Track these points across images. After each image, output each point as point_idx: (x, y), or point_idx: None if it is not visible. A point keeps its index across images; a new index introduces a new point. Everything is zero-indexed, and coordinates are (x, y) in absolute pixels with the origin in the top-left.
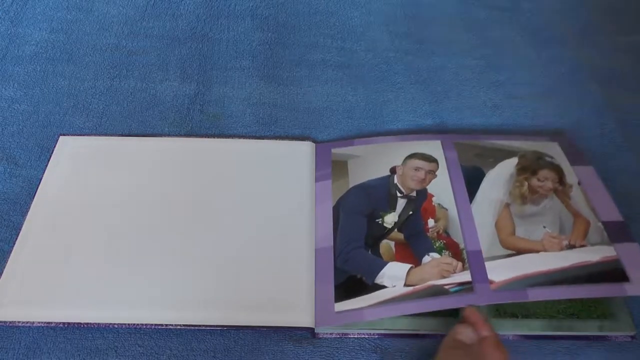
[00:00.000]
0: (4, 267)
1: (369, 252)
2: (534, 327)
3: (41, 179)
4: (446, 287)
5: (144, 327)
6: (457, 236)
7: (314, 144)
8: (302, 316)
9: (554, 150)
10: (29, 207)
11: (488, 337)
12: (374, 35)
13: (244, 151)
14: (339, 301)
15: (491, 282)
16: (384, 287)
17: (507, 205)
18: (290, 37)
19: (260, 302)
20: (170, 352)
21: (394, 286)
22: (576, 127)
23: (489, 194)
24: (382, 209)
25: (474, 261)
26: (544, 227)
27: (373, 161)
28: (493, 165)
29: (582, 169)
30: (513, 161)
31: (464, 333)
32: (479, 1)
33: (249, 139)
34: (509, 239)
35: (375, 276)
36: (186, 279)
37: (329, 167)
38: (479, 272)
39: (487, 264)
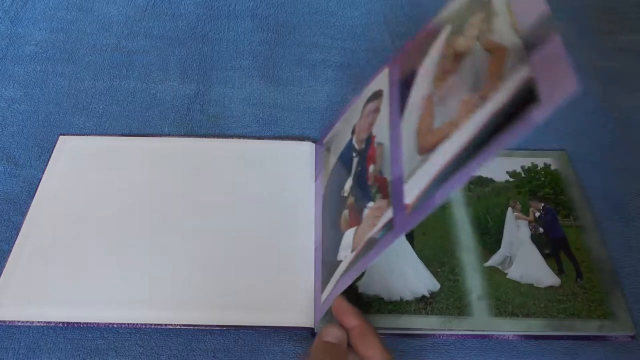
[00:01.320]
0: (4, 267)
1: (336, 231)
2: (534, 327)
3: (41, 179)
4: (376, 236)
5: (144, 327)
6: (388, 170)
7: (314, 144)
8: (302, 316)
9: None
10: (29, 207)
11: (354, 328)
12: (374, 35)
13: (244, 151)
14: (323, 292)
15: (406, 206)
16: (340, 262)
17: (430, 97)
18: (290, 37)
19: (260, 302)
20: (170, 352)
21: (346, 257)
22: (576, 127)
23: (417, 95)
24: (345, 180)
25: (396, 191)
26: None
27: (344, 131)
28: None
29: None
30: (447, 31)
31: (329, 334)
32: None
33: (249, 139)
34: (426, 139)
35: (336, 254)
36: (186, 278)
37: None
38: (399, 202)
39: (406, 186)
